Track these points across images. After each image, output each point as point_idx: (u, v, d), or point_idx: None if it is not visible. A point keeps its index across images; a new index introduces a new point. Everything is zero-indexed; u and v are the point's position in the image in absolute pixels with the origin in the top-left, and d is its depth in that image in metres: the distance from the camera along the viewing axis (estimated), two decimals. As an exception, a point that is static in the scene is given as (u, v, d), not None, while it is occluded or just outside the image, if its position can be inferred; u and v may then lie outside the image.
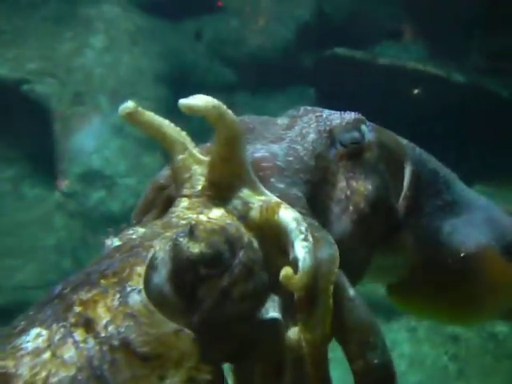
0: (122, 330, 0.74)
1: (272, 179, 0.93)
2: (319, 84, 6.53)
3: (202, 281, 0.78)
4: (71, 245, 6.03)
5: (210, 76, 7.33)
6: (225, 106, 0.86)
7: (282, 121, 1.09)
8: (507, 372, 5.20)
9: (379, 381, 0.88)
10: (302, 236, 0.81)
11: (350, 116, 1.07)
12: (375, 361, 0.86)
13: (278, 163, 0.95)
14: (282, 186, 0.92)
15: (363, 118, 1.10)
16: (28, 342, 0.73)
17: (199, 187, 0.89)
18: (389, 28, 7.20)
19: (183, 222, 0.85)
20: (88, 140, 6.32)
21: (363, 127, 1.08)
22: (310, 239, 0.82)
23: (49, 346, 0.72)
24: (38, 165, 6.42)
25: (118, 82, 6.49)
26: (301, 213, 0.88)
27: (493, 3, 6.37)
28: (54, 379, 0.69)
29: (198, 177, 0.89)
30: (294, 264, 0.81)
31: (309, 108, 1.12)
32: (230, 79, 7.36)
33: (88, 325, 0.74)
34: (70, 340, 0.73)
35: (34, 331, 0.74)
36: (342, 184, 1.02)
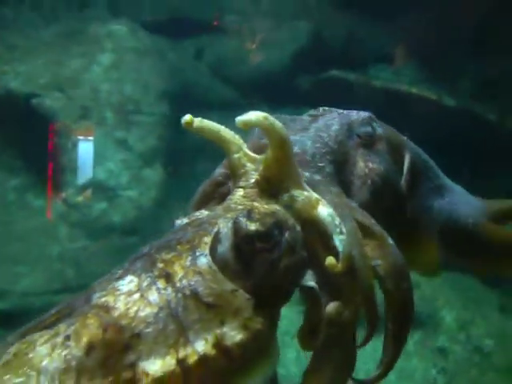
0: (193, 283, 0.90)
1: (300, 169, 1.10)
2: (316, 104, 6.56)
3: (256, 253, 0.94)
4: (74, 254, 6.03)
5: (211, 94, 7.38)
6: (273, 117, 1.01)
7: (306, 117, 1.31)
8: (492, 384, 5.21)
9: (409, 302, 1.13)
10: (338, 230, 1.01)
11: (364, 114, 1.31)
12: (407, 291, 1.12)
13: (307, 157, 1.16)
14: (307, 174, 1.12)
15: (374, 116, 1.33)
16: (123, 285, 0.90)
17: (253, 180, 1.05)
18: (383, 52, 7.26)
19: (240, 207, 1.01)
20: (92, 153, 6.35)
21: (374, 124, 1.31)
22: (344, 231, 1.01)
23: (138, 290, 0.89)
24: (43, 176, 6.45)
25: (123, 98, 6.54)
26: (322, 189, 1.09)
27: (485, 31, 6.44)
28: (142, 313, 0.86)
29: (252, 172, 1.06)
30: (334, 250, 1.00)
31: (326, 108, 1.34)
32: (230, 97, 7.41)
33: (168, 277, 0.91)
34: (154, 287, 0.90)
35: (128, 278, 0.91)
36: (361, 164, 1.24)
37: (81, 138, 6.31)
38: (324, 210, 1.02)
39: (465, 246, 1.46)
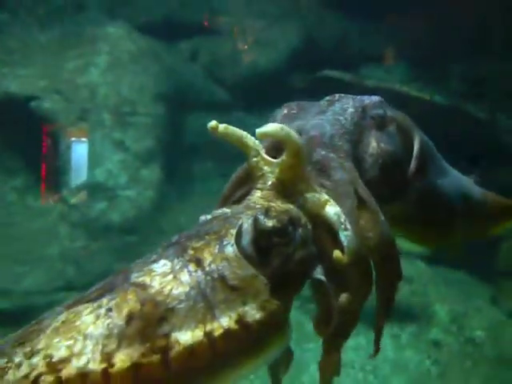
0: (220, 267, 1.02)
1: (318, 148, 1.26)
2: (310, 103, 6.60)
3: (273, 246, 1.06)
4: (74, 253, 6.07)
5: (205, 95, 7.43)
6: (289, 128, 1.13)
7: (322, 102, 1.43)
8: (485, 374, 5.29)
9: (395, 270, 1.25)
10: (343, 226, 1.13)
11: (376, 98, 1.44)
12: (394, 261, 1.24)
13: (324, 140, 1.28)
14: (323, 152, 1.25)
15: (384, 100, 1.45)
16: (158, 267, 1.01)
17: (269, 183, 1.18)
18: (375, 51, 7.32)
19: (259, 206, 1.13)
20: (91, 154, 6.38)
21: (385, 107, 1.43)
22: (348, 227, 1.13)
23: (172, 272, 1.01)
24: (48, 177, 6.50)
25: (120, 99, 6.58)
26: (334, 165, 1.22)
27: (474, 32, 6.51)
28: (176, 292, 0.98)
29: (268, 175, 1.18)
30: (340, 245, 1.13)
31: (342, 95, 1.45)
32: (224, 98, 7.46)
33: (198, 262, 1.02)
34: (185, 270, 1.01)
35: (162, 262, 1.03)
36: (374, 144, 1.36)
37: (74, 139, 6.35)
38: (331, 209, 1.14)
39: (440, 219, 1.60)
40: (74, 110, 6.40)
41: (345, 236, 1.12)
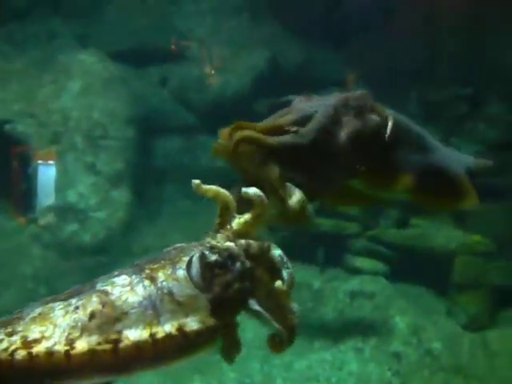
0: (170, 285, 1.23)
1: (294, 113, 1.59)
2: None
3: (215, 276, 1.27)
4: (46, 273, 6.09)
5: (173, 119, 7.55)
6: (263, 195, 1.37)
7: (320, 96, 1.72)
8: (442, 383, 5.43)
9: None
10: (285, 265, 1.36)
11: (360, 92, 1.69)
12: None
13: (302, 112, 1.58)
14: (293, 116, 1.57)
15: (369, 93, 1.72)
16: (119, 280, 1.23)
17: (227, 231, 1.40)
18: (336, 77, 7.54)
19: (208, 244, 1.36)
20: (63, 176, 6.43)
21: (368, 98, 1.69)
22: (290, 266, 1.36)
23: (130, 284, 1.22)
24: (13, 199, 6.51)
25: (91, 123, 6.66)
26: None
27: (429, 58, 6.78)
28: (131, 300, 1.19)
29: (229, 226, 1.41)
30: (282, 279, 1.36)
31: (336, 93, 1.76)
32: (191, 122, 7.59)
33: (152, 279, 1.24)
34: (141, 284, 1.22)
35: (123, 277, 1.24)
36: (350, 125, 1.61)
37: (42, 162, 6.41)
38: (276, 252, 1.38)
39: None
40: (47, 133, 6.49)
41: (286, 272, 1.37)
